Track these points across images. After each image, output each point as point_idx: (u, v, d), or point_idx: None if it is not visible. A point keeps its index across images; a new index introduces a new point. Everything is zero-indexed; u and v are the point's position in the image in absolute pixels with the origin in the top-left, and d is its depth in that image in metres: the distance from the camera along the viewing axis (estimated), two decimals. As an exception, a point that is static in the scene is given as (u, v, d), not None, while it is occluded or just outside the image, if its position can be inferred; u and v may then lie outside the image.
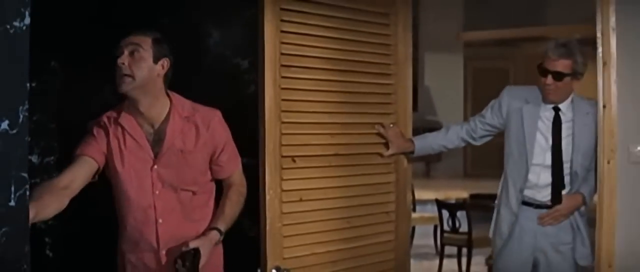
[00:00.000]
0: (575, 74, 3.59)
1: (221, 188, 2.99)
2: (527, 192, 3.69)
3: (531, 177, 3.66)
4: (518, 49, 12.99)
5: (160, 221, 2.81)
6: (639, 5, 3.64)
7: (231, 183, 2.96)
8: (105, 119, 2.86)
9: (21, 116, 1.84)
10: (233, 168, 2.97)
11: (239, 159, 3.01)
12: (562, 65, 3.55)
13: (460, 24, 12.66)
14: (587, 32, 3.80)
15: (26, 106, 1.86)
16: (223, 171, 2.94)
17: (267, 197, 2.97)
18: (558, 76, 3.56)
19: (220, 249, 2.92)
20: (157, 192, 2.81)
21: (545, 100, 3.66)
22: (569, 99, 3.67)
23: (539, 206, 3.68)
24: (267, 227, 2.96)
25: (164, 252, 2.81)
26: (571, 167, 3.64)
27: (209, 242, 2.74)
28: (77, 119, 3.15)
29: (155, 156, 2.82)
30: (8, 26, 1.80)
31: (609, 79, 3.62)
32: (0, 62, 1.79)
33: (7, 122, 1.81)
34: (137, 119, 2.83)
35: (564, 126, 3.64)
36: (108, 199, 2.94)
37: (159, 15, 3.44)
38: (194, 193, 2.87)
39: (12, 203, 1.82)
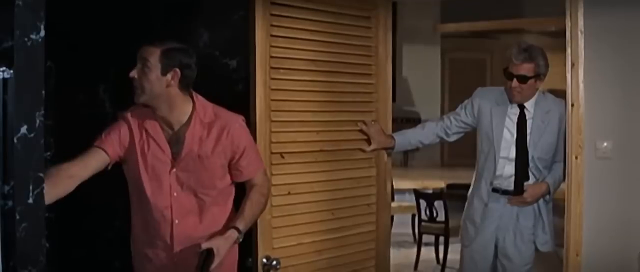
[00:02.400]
0: (539, 76, 3.77)
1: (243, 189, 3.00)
2: (495, 182, 3.88)
3: (499, 167, 3.85)
4: (495, 40, 13.04)
5: (176, 221, 2.84)
6: (606, 9, 3.81)
7: (253, 184, 2.95)
8: (130, 118, 2.88)
9: (38, 121, 1.94)
10: (253, 171, 2.95)
11: (262, 162, 3.03)
12: (525, 68, 3.74)
13: (438, 15, 12.70)
14: (561, 24, 3.91)
15: (42, 111, 1.95)
16: (242, 175, 2.93)
17: (259, 191, 3.04)
18: (522, 79, 3.74)
19: (235, 247, 2.91)
20: (175, 194, 2.84)
21: (512, 101, 3.85)
22: (534, 98, 3.85)
23: (505, 192, 3.88)
24: (258, 219, 3.02)
25: (177, 251, 2.83)
26: (532, 161, 3.82)
27: (225, 241, 2.72)
28: (71, 117, 3.27)
29: (174, 159, 2.84)
30: (26, 39, 1.90)
31: (577, 79, 3.80)
32: (19, 71, 1.89)
33: (25, 126, 1.90)
34: (159, 122, 2.86)
35: (527, 123, 3.83)
36: (106, 191, 3.00)
37: (152, 17, 3.53)
38: (212, 196, 2.89)
39: (30, 201, 1.92)
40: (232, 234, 2.76)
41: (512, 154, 3.84)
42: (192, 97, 2.90)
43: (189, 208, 2.86)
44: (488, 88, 4.09)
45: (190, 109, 2.87)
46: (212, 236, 2.77)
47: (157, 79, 2.79)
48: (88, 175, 2.76)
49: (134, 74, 2.80)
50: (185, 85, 2.86)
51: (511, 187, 3.86)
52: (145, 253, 2.91)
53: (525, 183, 3.85)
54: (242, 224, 2.81)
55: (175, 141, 2.86)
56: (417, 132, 4.04)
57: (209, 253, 2.63)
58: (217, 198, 2.91)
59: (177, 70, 2.81)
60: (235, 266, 2.99)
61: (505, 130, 3.86)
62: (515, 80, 3.76)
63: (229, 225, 2.83)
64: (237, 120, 2.91)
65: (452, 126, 4.00)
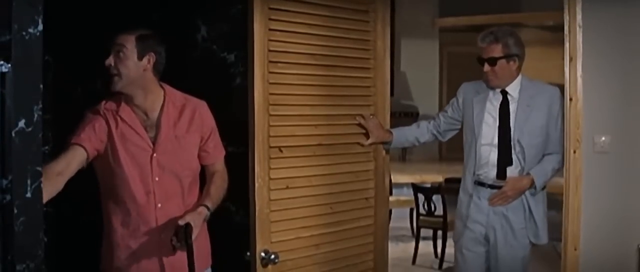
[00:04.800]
0: (510, 56, 3.79)
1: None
2: (481, 172, 3.88)
3: (483, 155, 3.85)
4: (493, 35, 13.05)
5: (159, 205, 2.92)
6: (604, 3, 3.81)
7: (215, 170, 3.10)
8: (104, 110, 2.93)
9: (36, 115, 1.94)
10: (218, 155, 3.12)
11: (223, 149, 3.15)
12: (492, 50, 3.78)
13: (436, 10, 12.71)
14: (560, 19, 3.93)
15: (40, 105, 1.95)
16: (209, 157, 3.08)
17: (256, 185, 3.05)
18: (492, 61, 3.78)
19: (206, 235, 3.06)
20: (156, 178, 2.91)
21: (490, 86, 3.87)
22: (517, 82, 3.85)
23: (491, 185, 3.87)
24: (256, 214, 3.04)
25: (162, 234, 2.91)
26: (517, 144, 3.80)
27: (199, 216, 2.86)
28: (69, 111, 3.25)
29: (153, 144, 2.93)
30: (24, 33, 1.91)
31: (575, 73, 3.81)
32: (17, 65, 1.89)
33: (23, 120, 1.91)
34: (134, 110, 2.93)
35: (511, 107, 3.83)
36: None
37: (149, 10, 3.54)
38: (191, 177, 3.01)
39: (28, 195, 1.92)
40: (203, 210, 2.91)
41: (496, 140, 3.83)
42: (161, 85, 3.01)
43: (172, 191, 2.96)
44: (471, 82, 4.09)
45: (163, 95, 2.99)
46: (186, 212, 2.91)
47: (134, 64, 2.89)
48: (72, 173, 2.80)
49: (110, 61, 2.88)
50: (157, 72, 2.97)
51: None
52: (128, 244, 2.96)
53: (507, 175, 3.82)
54: (209, 203, 2.96)
55: (151, 127, 2.95)
56: (412, 130, 4.09)
57: (188, 227, 2.79)
58: (192, 181, 3.04)
59: (152, 54, 2.92)
60: (209, 249, 3.12)
61: (486, 115, 3.86)
62: (485, 64, 3.80)
63: (197, 203, 2.98)
64: (204, 104, 3.08)
65: (443, 124, 4.06)
